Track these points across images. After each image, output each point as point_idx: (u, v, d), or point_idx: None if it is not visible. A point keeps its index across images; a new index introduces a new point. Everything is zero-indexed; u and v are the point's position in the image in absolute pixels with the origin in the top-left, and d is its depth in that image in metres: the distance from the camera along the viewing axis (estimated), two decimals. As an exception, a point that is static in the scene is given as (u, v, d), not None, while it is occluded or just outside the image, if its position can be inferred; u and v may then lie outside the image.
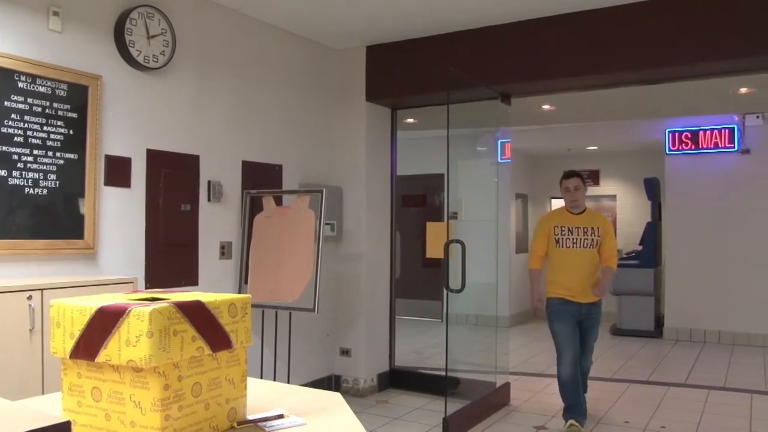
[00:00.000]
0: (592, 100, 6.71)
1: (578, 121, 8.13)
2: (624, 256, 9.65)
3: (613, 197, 10.69)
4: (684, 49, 4.49)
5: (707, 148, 8.57)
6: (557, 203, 10.98)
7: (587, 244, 4.65)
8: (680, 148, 8.72)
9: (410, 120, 7.01)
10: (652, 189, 9.12)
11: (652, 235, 9.09)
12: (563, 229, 4.69)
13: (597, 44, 4.74)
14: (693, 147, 8.65)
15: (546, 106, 7.22)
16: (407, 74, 5.53)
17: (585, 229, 4.67)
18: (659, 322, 8.95)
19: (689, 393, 5.91)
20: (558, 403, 4.97)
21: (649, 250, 9.04)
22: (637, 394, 5.91)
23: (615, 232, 10.85)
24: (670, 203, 8.81)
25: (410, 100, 5.85)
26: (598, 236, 4.66)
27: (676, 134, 8.73)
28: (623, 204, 10.62)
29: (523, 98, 5.72)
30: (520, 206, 10.69)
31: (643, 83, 5.27)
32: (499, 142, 7.08)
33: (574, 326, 4.64)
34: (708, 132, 8.55)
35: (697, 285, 8.49)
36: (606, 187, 10.72)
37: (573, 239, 4.66)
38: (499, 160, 7.03)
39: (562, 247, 4.68)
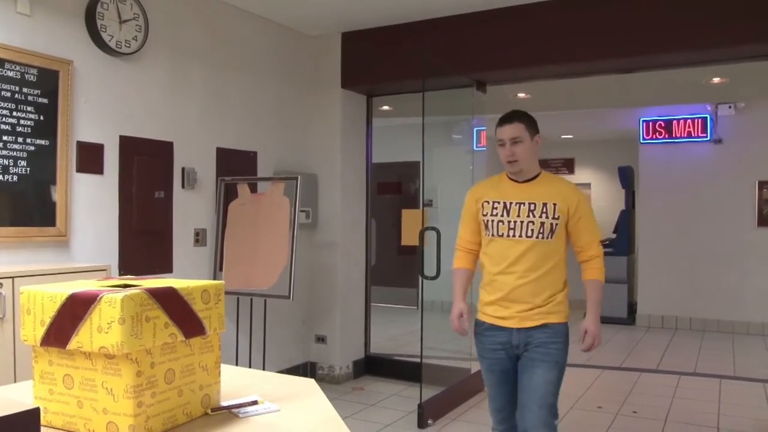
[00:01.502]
0: (567, 89, 6.75)
1: (553, 109, 8.18)
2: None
3: (588, 185, 10.79)
4: (657, 38, 4.53)
5: (680, 138, 8.67)
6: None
7: (532, 230, 2.80)
8: (654, 137, 8.82)
9: (386, 107, 7.00)
10: (626, 177, 9.22)
11: (625, 223, 9.20)
12: (495, 206, 2.87)
13: (571, 33, 4.77)
14: (666, 136, 8.75)
15: (521, 94, 7.25)
16: (383, 61, 5.52)
17: (530, 207, 2.82)
18: (632, 309, 9.08)
19: (661, 378, 6.02)
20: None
21: (623, 238, 9.15)
22: (609, 380, 6.00)
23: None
24: (644, 192, 8.92)
25: (386, 88, 5.84)
26: (556, 217, 2.80)
27: (650, 123, 8.82)
28: (597, 192, 10.73)
29: (499, 86, 5.74)
30: (496, 194, 10.74)
31: (617, 72, 5.32)
32: (474, 130, 7.10)
33: (504, 369, 2.93)
34: (681, 121, 8.66)
35: (669, 273, 8.62)
36: (580, 175, 10.82)
37: (508, 222, 2.83)
38: (475, 148, 7.06)
39: (492, 234, 2.88)
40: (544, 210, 2.82)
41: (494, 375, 2.96)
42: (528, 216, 2.82)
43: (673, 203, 8.62)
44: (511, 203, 2.85)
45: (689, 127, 8.63)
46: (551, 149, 10.78)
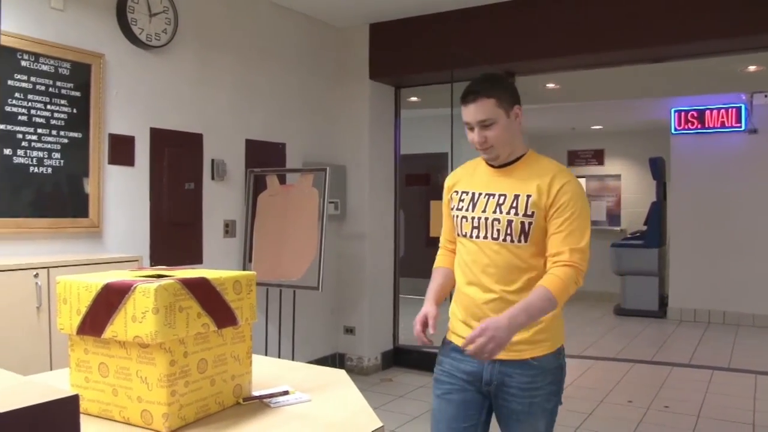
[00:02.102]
0: (598, 79, 6.66)
1: (583, 99, 8.09)
2: (629, 236, 9.66)
3: (618, 177, 10.65)
4: (690, 26, 4.45)
5: (713, 128, 8.50)
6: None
7: (498, 230, 2.10)
8: (686, 127, 8.67)
9: (414, 98, 6.98)
10: (658, 169, 9.08)
11: (657, 215, 9.07)
12: (462, 197, 2.21)
13: (601, 22, 4.70)
14: (699, 126, 8.59)
15: (550, 85, 7.17)
16: (411, 52, 5.50)
17: (499, 200, 2.12)
18: (663, 302, 8.96)
19: (693, 373, 5.93)
20: (568, 380, 4.98)
21: (654, 230, 9.02)
22: (640, 374, 5.93)
23: (618, 212, 11.04)
24: (676, 183, 8.78)
25: (414, 79, 5.82)
26: (528, 214, 2.06)
27: (682, 113, 8.67)
28: (628, 184, 10.59)
29: (527, 76, 5.69)
30: (524, 186, 10.66)
31: (648, 61, 5.23)
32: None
33: (466, 400, 2.17)
34: (714, 111, 8.49)
35: (701, 265, 8.48)
36: (610, 166, 10.68)
37: (471, 219, 2.16)
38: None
39: (458, 233, 2.24)
40: (514, 204, 2.06)
41: (449, 406, 2.16)
42: (494, 211, 2.10)
43: (706, 194, 8.47)
44: (479, 195, 2.15)
45: (723, 117, 8.45)
46: (580, 140, 10.67)
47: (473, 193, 2.17)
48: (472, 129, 2.10)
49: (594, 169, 10.74)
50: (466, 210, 2.17)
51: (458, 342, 2.13)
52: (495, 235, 2.09)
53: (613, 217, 10.64)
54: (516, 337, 1.97)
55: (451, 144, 4.85)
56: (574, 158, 10.85)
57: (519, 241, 2.06)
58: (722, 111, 8.45)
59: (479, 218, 2.13)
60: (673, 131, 8.74)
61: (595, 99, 8.29)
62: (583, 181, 10.77)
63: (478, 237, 2.13)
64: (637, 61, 5.19)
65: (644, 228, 9.27)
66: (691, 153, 8.63)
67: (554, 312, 2.08)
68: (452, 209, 2.24)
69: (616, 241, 9.38)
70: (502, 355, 1.99)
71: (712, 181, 8.44)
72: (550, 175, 2.08)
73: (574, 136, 10.66)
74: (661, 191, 9.17)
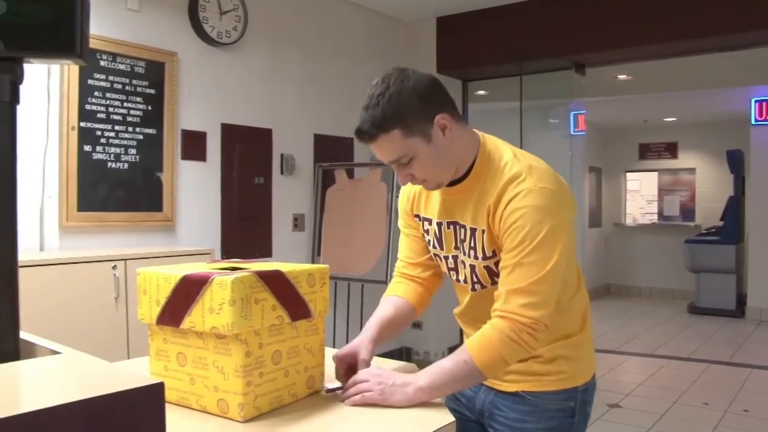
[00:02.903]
0: (672, 69, 6.43)
1: (656, 91, 7.82)
2: (704, 231, 9.32)
3: (692, 171, 10.30)
4: (774, 12, 4.25)
5: (797, 119, 8.12)
6: (633, 178, 10.70)
7: (468, 280, 1.64)
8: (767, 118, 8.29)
9: (481, 92, 6.90)
10: (736, 162, 8.72)
11: (734, 209, 8.72)
12: (426, 227, 1.72)
13: (675, 9, 4.54)
14: (781, 117, 8.21)
15: (622, 76, 6.97)
16: (478, 45, 5.44)
17: (459, 233, 1.61)
18: (741, 300, 8.61)
19: (774, 375, 5.69)
20: (633, 380, 4.86)
21: (732, 226, 8.68)
22: (716, 375, 5.72)
23: (692, 207, 10.66)
24: (756, 177, 8.41)
25: (481, 72, 5.76)
26: (489, 256, 1.55)
27: (763, 103, 8.28)
28: (703, 178, 10.21)
29: (598, 68, 5.55)
30: (594, 180, 10.44)
31: (725, 49, 5.01)
32: (572, 114, 6.90)
33: (467, 429, 1.77)
34: (797, 101, 8.10)
35: (783, 263, 8.11)
36: (684, 160, 10.33)
37: (445, 259, 1.69)
38: (573, 133, 6.86)
39: (447, 274, 1.75)
40: (472, 244, 1.56)
41: None
42: (457, 249, 1.62)
43: (788, 189, 8.09)
44: (441, 224, 1.64)
45: (807, 107, 8.06)
46: (653, 133, 10.35)
47: (435, 223, 1.65)
48: (400, 166, 1.52)
49: (667, 163, 10.41)
50: (434, 246, 1.68)
51: None
52: (468, 284, 1.63)
53: (687, 212, 10.29)
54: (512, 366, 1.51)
55: (520, 138, 4.78)
56: (645, 152, 10.54)
57: (493, 284, 1.55)
58: (807, 101, 8.05)
59: (451, 257, 1.65)
60: (753, 122, 8.36)
61: (668, 90, 8.00)
62: (654, 175, 10.47)
63: (458, 281, 1.68)
64: (714, 50, 4.99)
65: (720, 223, 8.93)
66: (773, 145, 8.26)
67: (572, 341, 1.63)
68: (428, 242, 1.71)
69: (691, 237, 9.07)
70: (495, 384, 1.68)
71: (795, 175, 8.05)
72: (499, 186, 1.48)
73: (646, 129, 10.35)
74: (739, 185, 8.81)
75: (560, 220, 1.44)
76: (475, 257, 1.55)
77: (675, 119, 9.86)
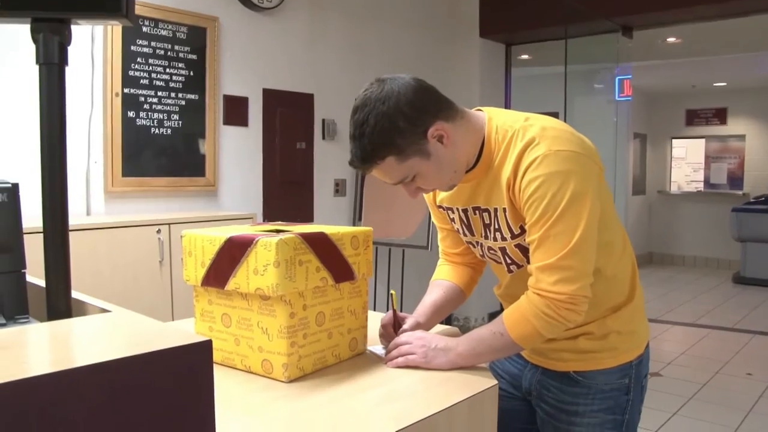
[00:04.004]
0: (724, 31, 6.20)
1: (707, 54, 7.56)
2: (752, 200, 9.08)
3: (742, 137, 9.99)
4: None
5: None
6: (680, 144, 10.44)
7: (501, 260, 1.56)
8: (822, 82, 7.98)
9: (525, 56, 6.77)
10: (788, 128, 8.44)
11: (785, 177, 8.47)
12: (451, 215, 1.65)
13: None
14: (837, 82, 7.89)
15: (671, 39, 6.76)
16: (522, 8, 5.32)
17: (484, 218, 1.53)
18: (788, 270, 8.41)
19: (821, 346, 5.56)
20: (674, 350, 4.80)
21: (781, 194, 8.45)
22: (761, 346, 5.61)
23: (740, 175, 10.35)
24: (808, 143, 8.14)
25: (525, 35, 5.65)
26: (517, 234, 1.45)
27: (818, 68, 7.98)
28: (753, 145, 9.91)
29: (646, 30, 5.38)
30: (639, 146, 10.22)
31: (783, 10, 4.82)
32: (617, 78, 6.73)
33: (507, 410, 1.60)
34: None
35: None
36: (734, 126, 10.01)
37: (479, 246, 1.61)
38: (618, 98, 6.70)
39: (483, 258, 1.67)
40: (497, 225, 1.48)
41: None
42: (485, 236, 1.54)
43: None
44: (466, 211, 1.56)
45: None
46: (701, 98, 10.05)
47: (460, 210, 1.58)
48: (406, 184, 1.49)
49: (715, 129, 10.12)
50: (465, 234, 1.62)
51: None
52: (501, 263, 1.56)
53: (735, 180, 10.01)
54: (556, 341, 1.50)
55: (564, 103, 4.69)
56: (693, 118, 10.26)
57: (529, 263, 1.42)
58: None
59: (481, 243, 1.57)
60: (807, 87, 8.07)
61: (719, 54, 7.74)
62: (701, 142, 10.19)
63: (495, 262, 1.60)
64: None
65: (770, 192, 8.70)
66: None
67: (622, 313, 1.52)
68: (453, 226, 1.68)
69: (738, 206, 8.84)
70: (537, 359, 1.62)
71: None
72: (514, 156, 1.38)
73: (694, 94, 10.05)
74: (790, 152, 8.54)
75: (583, 183, 1.33)
76: (503, 238, 1.48)
77: (725, 84, 9.55)
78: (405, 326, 1.56)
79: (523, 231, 1.41)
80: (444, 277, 1.75)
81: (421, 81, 1.42)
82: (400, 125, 1.34)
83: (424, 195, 1.60)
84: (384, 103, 1.35)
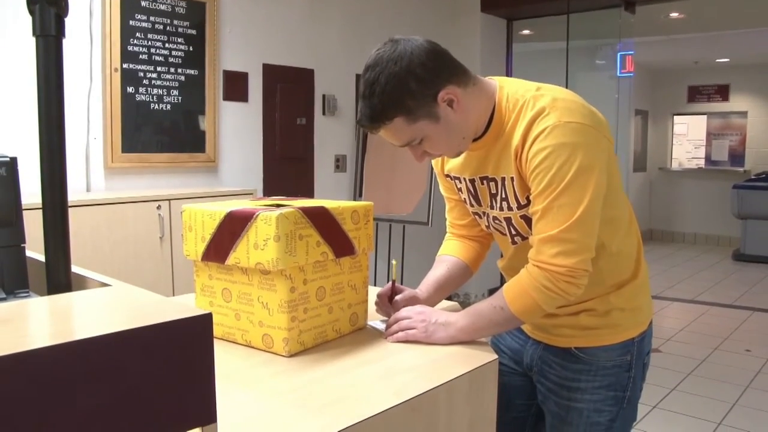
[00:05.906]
0: (728, 6, 6.15)
1: (710, 29, 7.49)
2: (753, 177, 9.06)
3: (744, 114, 9.94)
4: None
5: None
6: (681, 121, 10.39)
7: (505, 231, 1.54)
8: (826, 59, 7.92)
9: (526, 31, 6.71)
10: (791, 104, 8.40)
11: (787, 154, 8.45)
12: (458, 185, 1.63)
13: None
14: (841, 58, 7.83)
15: (674, 14, 6.69)
16: (524, -18, 5.27)
17: (490, 187, 1.51)
18: (789, 247, 8.42)
19: (820, 322, 5.58)
20: (674, 326, 4.82)
21: (785, 172, 8.43)
22: (760, 322, 5.63)
23: (741, 152, 10.31)
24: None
25: (527, 10, 5.59)
26: (523, 204, 1.43)
27: (822, 43, 7.91)
28: (755, 122, 9.86)
29: (649, 5, 5.33)
30: (640, 123, 10.18)
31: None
32: (619, 54, 6.69)
33: (506, 385, 1.66)
34: None
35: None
36: (736, 102, 9.96)
37: (485, 216, 1.58)
38: (619, 74, 6.66)
39: (489, 229, 1.63)
40: (504, 195, 1.47)
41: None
42: (492, 206, 1.53)
43: None
44: (474, 180, 1.54)
45: None
46: (703, 75, 9.98)
47: (467, 180, 1.56)
48: (412, 146, 1.45)
49: (717, 106, 10.06)
50: (471, 204, 1.60)
51: None
52: (505, 234, 1.54)
53: (736, 157, 9.98)
54: (558, 316, 1.51)
55: (566, 79, 4.66)
56: (695, 94, 10.20)
57: (526, 234, 1.47)
58: None
59: (487, 214, 1.56)
60: (810, 63, 8.01)
61: (723, 29, 7.66)
62: (703, 118, 10.15)
63: (499, 234, 1.58)
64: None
65: (773, 169, 8.67)
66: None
67: (626, 290, 1.52)
68: (460, 196, 1.65)
69: (739, 183, 8.83)
70: (538, 335, 1.61)
71: None
72: (523, 125, 1.37)
73: (697, 71, 9.98)
74: (792, 129, 8.50)
75: (590, 157, 1.31)
76: (509, 208, 1.46)
77: (728, 60, 9.48)
78: (398, 297, 1.57)
79: (529, 202, 1.40)
80: (450, 252, 1.74)
81: (434, 44, 1.38)
82: (411, 86, 1.32)
83: (433, 164, 1.59)
84: (396, 63, 1.32)
